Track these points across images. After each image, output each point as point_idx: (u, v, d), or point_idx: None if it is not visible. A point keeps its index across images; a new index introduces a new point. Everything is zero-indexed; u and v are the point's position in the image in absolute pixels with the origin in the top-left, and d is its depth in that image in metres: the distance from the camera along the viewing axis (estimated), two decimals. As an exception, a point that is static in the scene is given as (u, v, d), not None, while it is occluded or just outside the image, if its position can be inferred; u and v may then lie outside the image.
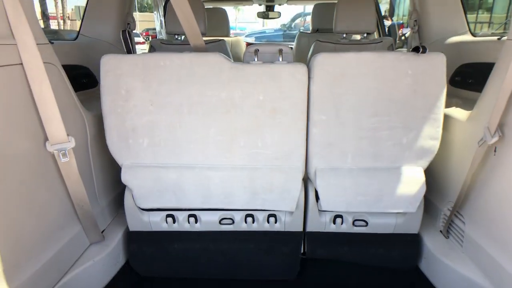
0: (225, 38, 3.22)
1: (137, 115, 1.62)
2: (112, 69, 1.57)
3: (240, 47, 4.32)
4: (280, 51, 1.63)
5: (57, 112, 1.39)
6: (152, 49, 2.80)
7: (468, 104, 1.85)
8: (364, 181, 1.67)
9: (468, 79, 2.10)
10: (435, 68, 1.59)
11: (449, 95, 2.22)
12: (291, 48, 4.65)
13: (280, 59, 1.60)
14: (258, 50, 1.66)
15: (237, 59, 4.06)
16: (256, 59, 1.60)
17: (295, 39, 4.26)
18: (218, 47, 2.85)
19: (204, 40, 2.95)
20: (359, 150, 1.67)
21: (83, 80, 2.17)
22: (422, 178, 1.67)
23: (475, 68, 2.05)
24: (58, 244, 1.52)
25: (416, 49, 1.56)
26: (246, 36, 6.90)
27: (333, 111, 1.63)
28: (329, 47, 2.76)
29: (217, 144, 1.66)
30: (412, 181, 1.66)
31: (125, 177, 1.69)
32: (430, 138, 1.65)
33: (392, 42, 2.77)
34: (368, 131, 1.64)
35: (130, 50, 2.64)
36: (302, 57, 3.89)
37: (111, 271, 1.79)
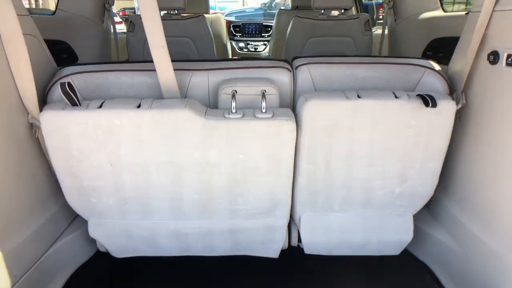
0: (205, 15, 3.22)
1: (96, 175, 1.40)
2: (56, 129, 1.31)
3: (220, 24, 4.31)
4: (263, 94, 1.32)
5: (33, 86, 1.34)
6: (131, 24, 2.79)
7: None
8: (350, 228, 1.60)
9: (439, 53, 2.20)
10: (442, 119, 1.38)
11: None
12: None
13: (264, 104, 1.31)
14: (236, 92, 1.36)
15: (217, 36, 4.05)
16: (233, 104, 1.30)
17: (275, 17, 4.28)
18: (197, 22, 2.86)
19: (184, 16, 2.97)
20: (347, 198, 1.54)
21: (63, 55, 2.17)
22: (410, 225, 1.61)
23: (445, 42, 2.15)
24: (46, 213, 1.56)
25: (424, 100, 1.33)
26: (226, 16, 6.84)
27: (322, 161, 1.45)
28: (307, 22, 2.81)
29: (192, 203, 1.48)
30: (400, 228, 1.61)
31: (93, 233, 1.58)
32: (426, 187, 1.52)
33: (369, 18, 2.84)
34: (359, 180, 1.49)
35: None
36: (282, 35, 3.93)
37: None
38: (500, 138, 1.33)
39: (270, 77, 1.45)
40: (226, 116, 1.31)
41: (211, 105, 1.49)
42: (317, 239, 1.64)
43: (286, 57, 3.01)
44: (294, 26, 2.85)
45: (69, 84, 1.26)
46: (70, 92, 1.26)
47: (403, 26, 2.62)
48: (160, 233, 1.57)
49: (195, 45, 2.95)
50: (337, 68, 1.47)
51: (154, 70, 1.36)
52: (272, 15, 5.45)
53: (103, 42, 2.63)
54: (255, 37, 5.31)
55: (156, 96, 1.44)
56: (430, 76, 1.45)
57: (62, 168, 1.40)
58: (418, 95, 1.34)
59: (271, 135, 1.33)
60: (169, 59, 1.31)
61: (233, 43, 5.36)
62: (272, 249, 1.67)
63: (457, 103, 1.46)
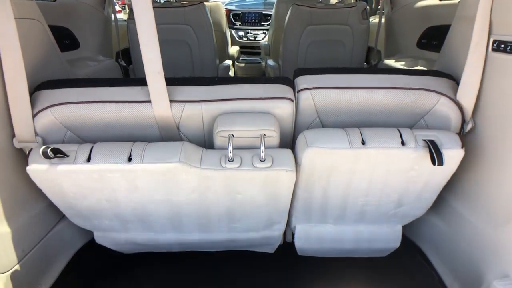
0: (205, 3, 3.24)
1: (95, 209, 1.42)
2: (47, 180, 1.29)
3: (220, 12, 4.32)
4: (262, 137, 1.27)
5: (29, 111, 1.29)
6: (132, 11, 2.82)
7: (431, 64, 1.99)
8: (342, 238, 1.69)
9: (433, 41, 2.24)
10: (448, 165, 1.34)
11: (415, 57, 2.37)
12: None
13: (262, 148, 1.25)
14: (233, 135, 1.29)
15: (216, 24, 4.07)
16: (230, 148, 1.24)
17: (274, 5, 4.30)
18: (197, 10, 2.88)
19: (183, 3, 2.99)
20: (341, 217, 1.60)
21: (65, 41, 2.21)
22: (399, 234, 1.69)
23: (439, 30, 2.19)
24: None
25: (430, 154, 1.26)
26: (226, 5, 6.82)
27: (319, 192, 1.45)
28: (305, 10, 2.84)
29: (192, 225, 1.53)
30: (389, 238, 1.69)
31: (99, 241, 1.65)
32: (419, 210, 1.57)
33: (366, 7, 2.87)
34: (355, 206, 1.53)
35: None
36: (281, 23, 3.95)
37: None
38: (486, 124, 1.36)
39: (270, 108, 1.37)
40: (223, 165, 1.25)
41: (207, 141, 1.45)
42: (310, 246, 1.72)
43: (284, 45, 3.04)
44: (292, 14, 2.87)
45: (52, 149, 1.18)
46: (55, 155, 1.20)
47: (399, 14, 2.65)
48: (163, 241, 1.65)
49: (194, 33, 2.98)
50: (343, 93, 1.38)
51: (146, 101, 1.33)
52: (272, 4, 5.45)
53: (104, 28, 2.66)
54: (254, 25, 5.32)
55: (148, 134, 1.40)
56: (444, 105, 1.38)
57: (59, 203, 1.41)
58: (425, 141, 1.28)
59: (269, 181, 1.30)
60: (164, 87, 1.28)
61: (233, 31, 5.37)
62: (268, 248, 1.78)
63: (468, 123, 1.41)
